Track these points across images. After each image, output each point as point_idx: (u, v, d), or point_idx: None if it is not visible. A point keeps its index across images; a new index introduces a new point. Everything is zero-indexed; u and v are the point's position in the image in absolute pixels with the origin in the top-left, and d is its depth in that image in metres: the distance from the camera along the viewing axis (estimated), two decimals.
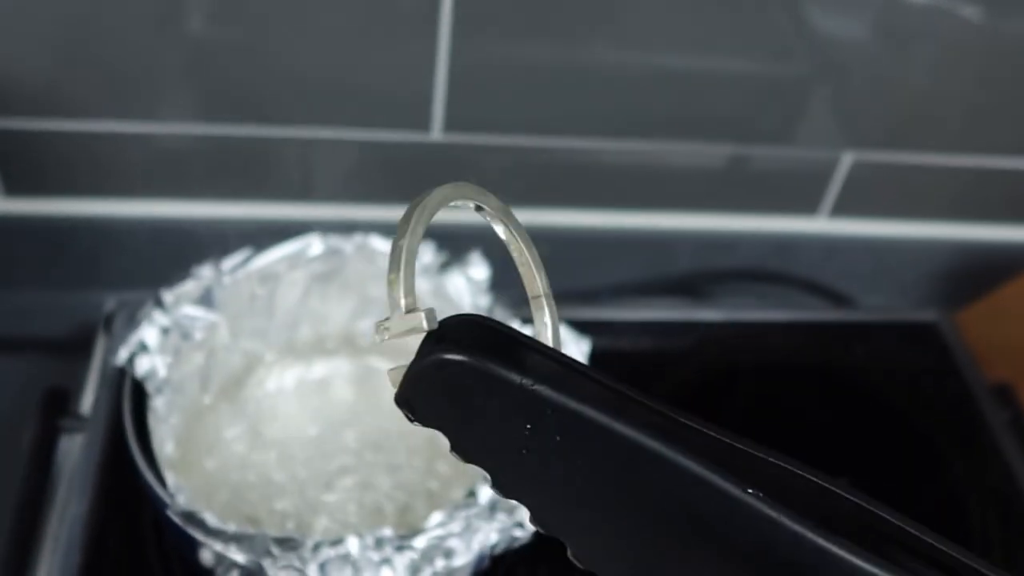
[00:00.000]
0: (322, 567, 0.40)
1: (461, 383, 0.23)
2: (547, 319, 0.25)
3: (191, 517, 0.42)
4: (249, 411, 0.56)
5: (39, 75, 0.59)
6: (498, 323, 0.24)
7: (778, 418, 0.63)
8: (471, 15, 0.59)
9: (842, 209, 0.73)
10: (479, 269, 0.53)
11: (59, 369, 0.62)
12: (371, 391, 0.58)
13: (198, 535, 0.41)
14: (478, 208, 0.25)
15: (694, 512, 0.22)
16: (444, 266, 0.54)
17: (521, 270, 0.26)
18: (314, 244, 0.54)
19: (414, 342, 0.23)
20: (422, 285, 0.53)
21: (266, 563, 0.40)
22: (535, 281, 0.26)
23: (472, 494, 0.43)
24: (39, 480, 0.52)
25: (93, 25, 0.57)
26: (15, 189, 0.65)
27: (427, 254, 0.54)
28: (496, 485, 0.24)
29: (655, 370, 0.63)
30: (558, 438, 0.22)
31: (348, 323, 0.58)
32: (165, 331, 0.49)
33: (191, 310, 0.51)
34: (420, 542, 0.41)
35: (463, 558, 0.42)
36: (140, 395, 0.48)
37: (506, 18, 0.60)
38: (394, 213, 0.70)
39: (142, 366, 0.48)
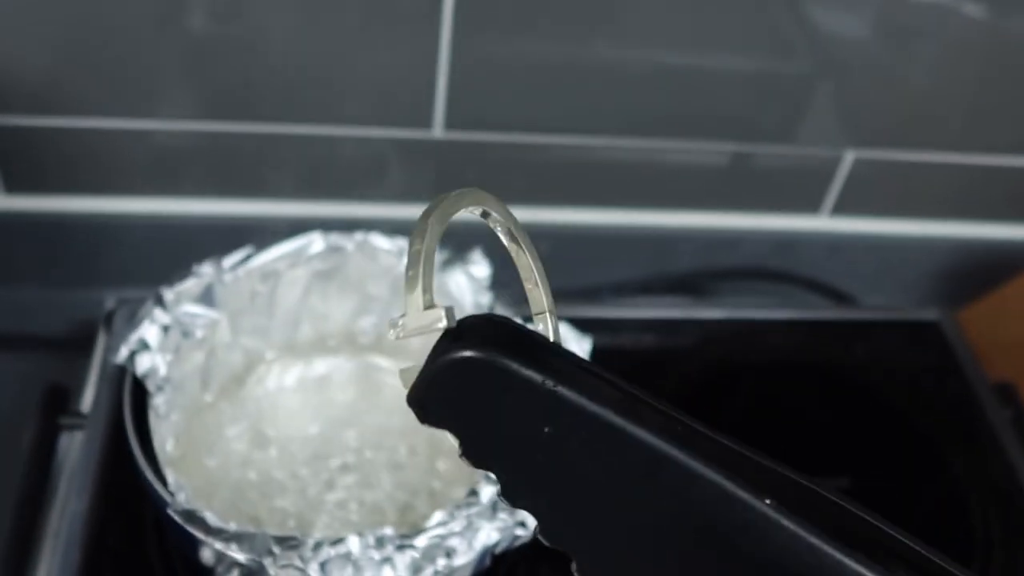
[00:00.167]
0: (323, 566, 0.40)
1: (480, 382, 0.22)
2: (549, 335, 0.25)
3: (191, 516, 0.42)
4: (250, 409, 0.55)
5: (39, 72, 0.59)
6: (517, 324, 0.23)
7: (780, 416, 0.63)
8: (472, 12, 0.59)
9: (844, 208, 0.73)
10: (480, 267, 0.53)
11: (59, 367, 0.62)
12: (372, 389, 0.58)
13: (198, 534, 0.41)
14: (491, 221, 0.24)
15: (710, 522, 0.21)
16: (445, 264, 0.54)
17: (527, 286, 0.25)
18: (315, 242, 0.54)
19: (418, 342, 0.23)
20: None
21: (267, 562, 0.40)
22: (541, 299, 0.25)
23: (474, 493, 0.43)
24: (39, 478, 0.52)
25: (93, 22, 0.57)
26: (15, 187, 0.65)
27: None
28: (505, 492, 0.23)
29: (657, 368, 0.63)
30: (577, 442, 0.22)
31: (349, 321, 0.58)
32: (166, 329, 0.49)
33: (192, 308, 0.51)
34: (421, 541, 0.41)
35: (464, 557, 0.42)
36: (141, 393, 0.48)
37: (508, 16, 0.60)
38: (395, 211, 0.70)
39: (142, 364, 0.48)
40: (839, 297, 0.74)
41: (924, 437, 0.62)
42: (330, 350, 0.58)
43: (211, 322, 0.51)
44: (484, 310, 0.52)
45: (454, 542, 0.42)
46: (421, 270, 0.22)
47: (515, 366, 0.22)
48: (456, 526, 0.42)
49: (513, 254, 0.25)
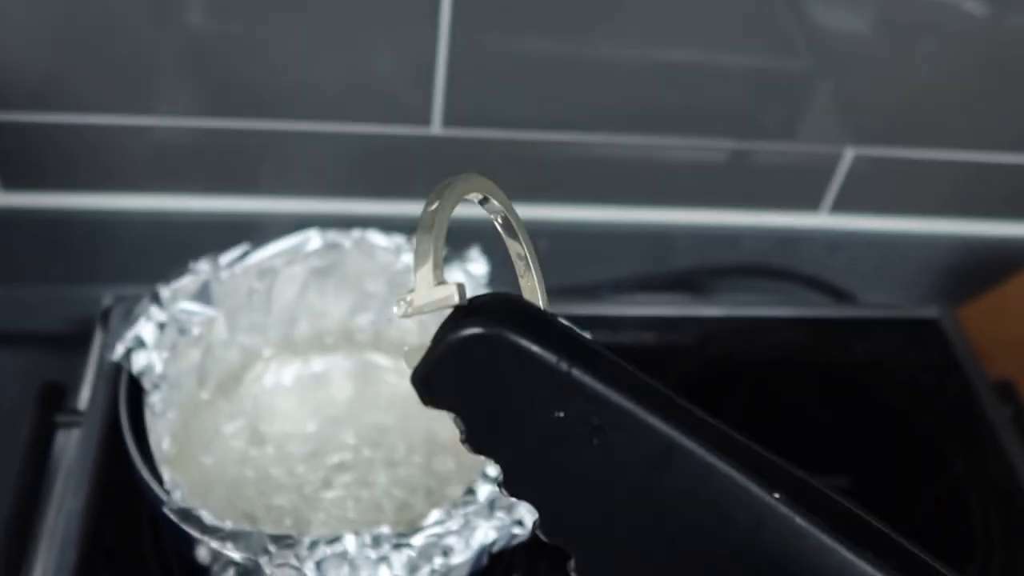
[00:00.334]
0: (319, 565, 0.40)
1: (490, 361, 0.21)
2: None
3: (187, 514, 0.41)
4: (247, 407, 0.55)
5: (38, 69, 0.59)
6: (531, 304, 0.22)
7: (779, 414, 0.63)
8: (471, 9, 0.58)
9: (844, 205, 0.73)
10: (478, 264, 0.53)
11: (57, 364, 0.62)
12: (370, 387, 0.58)
13: (194, 532, 0.41)
14: (489, 208, 0.24)
15: (720, 515, 0.21)
16: (443, 261, 0.54)
17: (520, 277, 0.25)
18: (312, 239, 0.53)
19: (418, 337, 0.22)
20: None
21: (262, 561, 0.40)
22: (535, 290, 0.25)
23: (471, 491, 0.43)
24: (36, 475, 0.52)
25: (91, 19, 0.57)
26: (13, 183, 0.65)
27: None
28: (507, 481, 0.22)
29: (656, 366, 0.62)
30: (588, 428, 0.21)
31: (346, 318, 0.57)
32: (162, 326, 0.49)
33: (188, 305, 0.50)
34: (418, 540, 0.41)
35: (461, 556, 0.41)
36: (137, 391, 0.48)
37: (506, 12, 0.60)
38: (394, 208, 0.70)
39: (138, 362, 0.48)
40: (839, 294, 0.74)
41: (924, 435, 0.62)
42: (327, 348, 0.58)
43: (208, 319, 0.51)
44: None
45: (451, 541, 0.41)
46: (432, 245, 0.21)
47: (530, 345, 0.21)
48: (453, 525, 0.42)
49: (508, 244, 0.25)
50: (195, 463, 0.52)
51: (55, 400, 0.55)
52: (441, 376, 0.21)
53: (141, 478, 0.44)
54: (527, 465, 0.22)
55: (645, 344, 0.66)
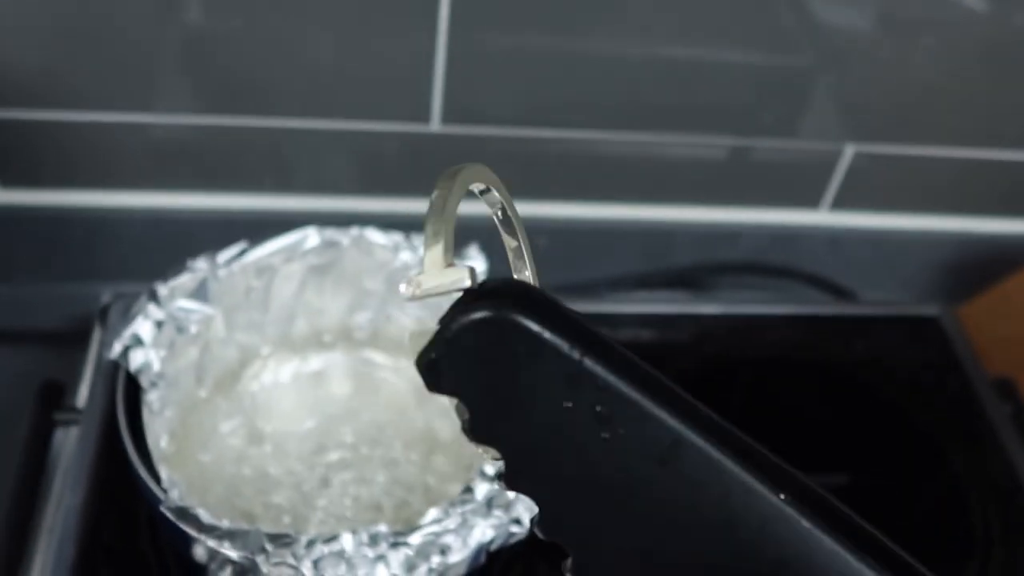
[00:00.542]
0: (316, 564, 0.40)
1: (499, 347, 0.20)
2: None
3: (184, 513, 0.41)
4: (245, 405, 0.55)
5: (36, 66, 0.59)
6: (543, 291, 0.22)
7: (778, 412, 0.63)
8: (470, 6, 0.58)
9: (844, 202, 0.73)
10: (477, 262, 0.53)
11: (55, 362, 0.62)
12: (368, 385, 0.58)
13: (191, 531, 0.41)
14: (488, 200, 0.24)
15: (725, 514, 0.21)
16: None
17: (515, 272, 0.25)
18: (310, 237, 0.53)
19: (420, 318, 0.22)
20: None
21: (260, 559, 0.40)
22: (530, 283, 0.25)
23: (469, 490, 0.43)
24: (34, 473, 0.52)
25: (90, 15, 0.57)
26: (11, 181, 0.64)
27: None
28: (508, 473, 0.21)
29: (654, 364, 0.63)
30: (596, 420, 0.20)
31: (345, 316, 0.57)
32: (159, 324, 0.49)
33: (186, 303, 0.50)
34: (415, 538, 0.41)
35: (459, 555, 0.41)
36: (135, 389, 0.47)
37: (505, 9, 0.59)
38: (392, 205, 0.70)
39: (136, 360, 0.48)
40: (838, 292, 0.74)
41: (923, 433, 0.62)
42: (325, 345, 0.58)
43: (205, 317, 0.51)
44: None
45: (449, 539, 0.41)
46: (444, 227, 0.21)
47: (542, 331, 0.20)
48: (451, 523, 0.42)
49: (505, 239, 0.25)
50: (193, 461, 0.52)
51: (54, 398, 0.55)
52: (448, 360, 0.21)
53: (139, 476, 0.44)
54: (530, 456, 0.21)
55: (643, 341, 0.66)
